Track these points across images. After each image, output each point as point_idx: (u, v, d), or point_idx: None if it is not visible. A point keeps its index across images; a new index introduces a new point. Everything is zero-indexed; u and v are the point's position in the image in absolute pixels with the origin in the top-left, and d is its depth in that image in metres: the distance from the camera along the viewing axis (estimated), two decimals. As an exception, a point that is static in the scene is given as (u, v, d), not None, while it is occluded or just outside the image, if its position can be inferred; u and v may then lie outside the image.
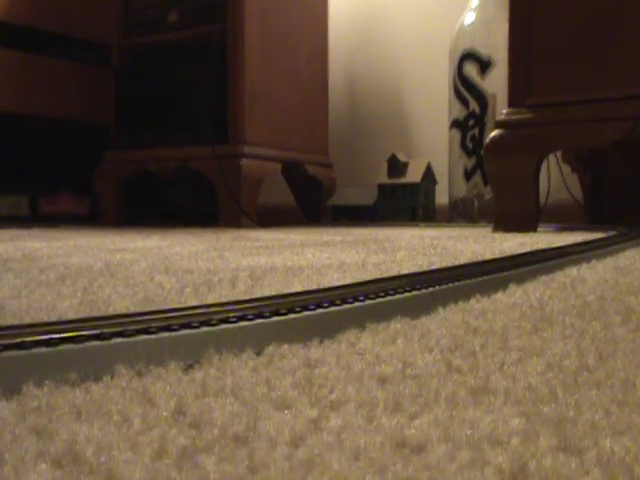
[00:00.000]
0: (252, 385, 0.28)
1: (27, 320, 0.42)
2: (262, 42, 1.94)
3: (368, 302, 0.44)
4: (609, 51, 1.36)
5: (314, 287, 0.53)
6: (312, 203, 2.24)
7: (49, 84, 2.17)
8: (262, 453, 0.21)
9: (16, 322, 0.41)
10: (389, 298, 0.46)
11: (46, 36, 2.17)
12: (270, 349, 0.34)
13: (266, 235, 1.42)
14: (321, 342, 0.36)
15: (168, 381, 0.29)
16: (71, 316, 0.43)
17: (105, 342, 0.31)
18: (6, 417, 0.24)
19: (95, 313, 0.44)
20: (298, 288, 0.53)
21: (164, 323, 0.34)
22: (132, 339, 0.32)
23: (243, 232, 1.57)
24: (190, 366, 0.31)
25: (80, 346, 0.31)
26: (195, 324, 0.35)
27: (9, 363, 0.29)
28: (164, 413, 0.25)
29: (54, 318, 0.42)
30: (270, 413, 0.25)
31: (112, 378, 0.29)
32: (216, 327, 0.35)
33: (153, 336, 0.33)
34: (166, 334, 0.33)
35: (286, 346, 0.34)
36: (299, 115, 2.09)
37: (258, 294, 0.49)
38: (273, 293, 0.50)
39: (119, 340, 0.32)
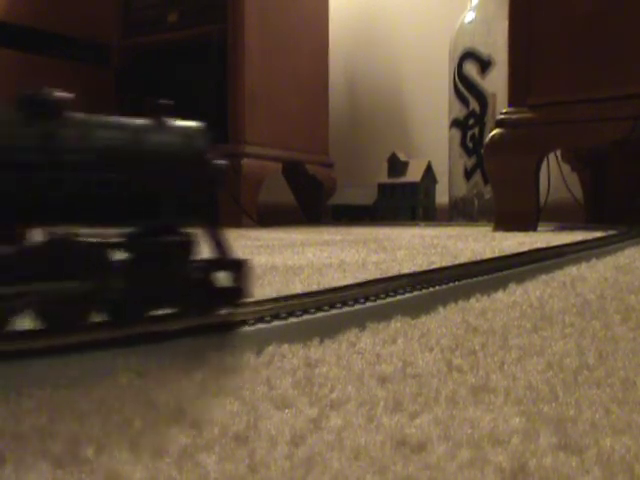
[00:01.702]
0: (252, 385, 0.28)
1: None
2: (262, 42, 1.94)
3: (369, 304, 0.44)
4: (609, 51, 1.36)
5: (314, 286, 0.53)
6: (312, 203, 2.24)
7: (49, 84, 2.17)
8: (262, 452, 0.21)
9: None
10: (389, 299, 0.46)
11: (46, 36, 2.17)
12: (270, 349, 0.34)
13: (266, 234, 1.42)
14: (321, 342, 0.36)
15: (168, 381, 0.29)
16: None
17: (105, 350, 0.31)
18: (7, 417, 0.24)
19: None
20: (298, 287, 0.53)
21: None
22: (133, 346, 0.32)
23: (243, 232, 1.57)
24: (190, 367, 0.31)
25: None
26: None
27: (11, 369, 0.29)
28: (164, 413, 0.25)
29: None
30: (270, 412, 0.25)
31: (112, 379, 0.29)
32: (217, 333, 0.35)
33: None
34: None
35: (286, 346, 0.34)
36: (299, 115, 2.09)
37: (259, 294, 0.49)
38: (274, 292, 0.50)
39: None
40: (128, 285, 0.34)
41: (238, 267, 0.37)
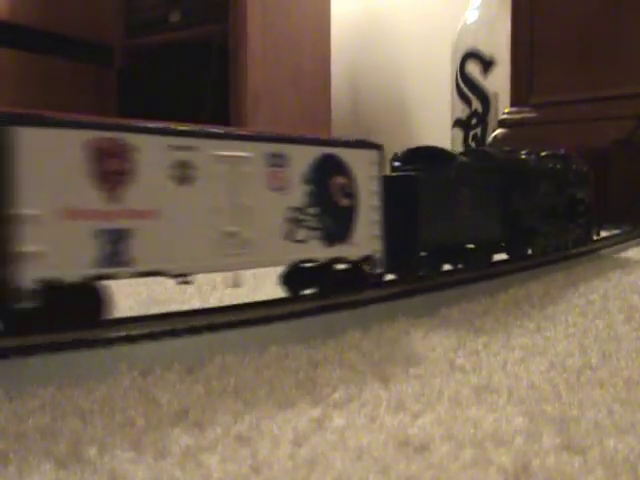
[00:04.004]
0: (255, 384, 0.28)
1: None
2: (264, 42, 1.94)
3: (372, 306, 0.44)
4: (612, 49, 1.36)
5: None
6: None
7: (51, 84, 2.18)
8: (265, 452, 0.21)
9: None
10: (393, 301, 0.46)
11: (49, 36, 2.17)
12: (273, 349, 0.34)
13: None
14: (324, 342, 0.36)
15: (171, 381, 0.29)
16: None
17: (109, 347, 0.31)
18: (10, 416, 0.24)
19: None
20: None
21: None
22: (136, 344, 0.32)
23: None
24: (193, 366, 0.31)
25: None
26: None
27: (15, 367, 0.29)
28: (167, 412, 0.25)
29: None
30: (273, 412, 0.25)
31: (116, 378, 0.29)
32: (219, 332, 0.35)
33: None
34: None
35: (289, 346, 0.34)
36: (301, 114, 2.09)
37: (261, 294, 0.49)
38: (277, 292, 0.50)
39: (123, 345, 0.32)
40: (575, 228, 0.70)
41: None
